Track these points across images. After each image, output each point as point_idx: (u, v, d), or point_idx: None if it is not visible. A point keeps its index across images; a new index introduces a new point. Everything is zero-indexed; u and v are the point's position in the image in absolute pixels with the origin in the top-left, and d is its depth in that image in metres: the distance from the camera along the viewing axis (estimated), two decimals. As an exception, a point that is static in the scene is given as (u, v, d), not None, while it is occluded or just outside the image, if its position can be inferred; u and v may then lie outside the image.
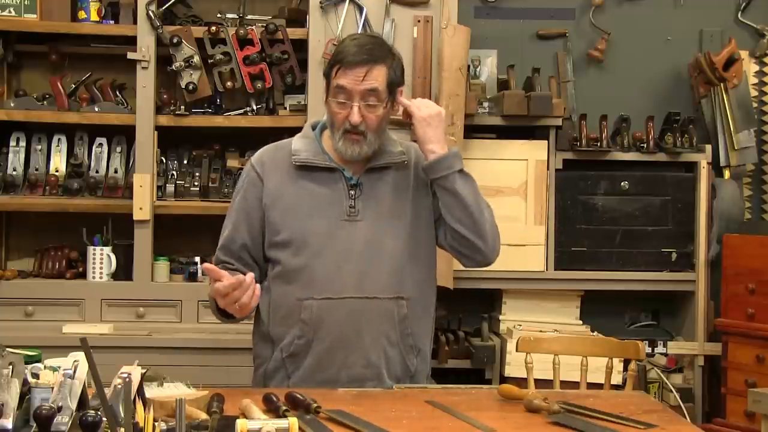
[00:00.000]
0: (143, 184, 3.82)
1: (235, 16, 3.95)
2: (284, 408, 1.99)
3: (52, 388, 1.76)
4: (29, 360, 1.93)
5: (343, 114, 2.41)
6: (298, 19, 3.98)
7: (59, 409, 1.70)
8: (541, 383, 3.00)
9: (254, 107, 3.98)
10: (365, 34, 2.58)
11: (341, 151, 2.45)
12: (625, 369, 3.37)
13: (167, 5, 3.90)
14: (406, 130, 3.76)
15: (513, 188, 3.95)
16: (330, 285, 2.43)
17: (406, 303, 2.48)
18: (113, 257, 3.88)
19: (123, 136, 4.00)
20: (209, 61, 3.89)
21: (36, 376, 1.82)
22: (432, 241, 2.57)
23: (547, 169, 3.96)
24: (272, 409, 2.03)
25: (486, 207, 2.56)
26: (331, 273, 2.44)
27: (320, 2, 3.80)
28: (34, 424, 1.67)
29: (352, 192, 2.48)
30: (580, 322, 4.02)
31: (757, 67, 4.27)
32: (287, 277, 2.48)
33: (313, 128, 2.58)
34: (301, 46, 3.88)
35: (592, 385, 2.94)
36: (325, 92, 2.49)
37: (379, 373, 2.46)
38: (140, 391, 1.84)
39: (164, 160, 4.00)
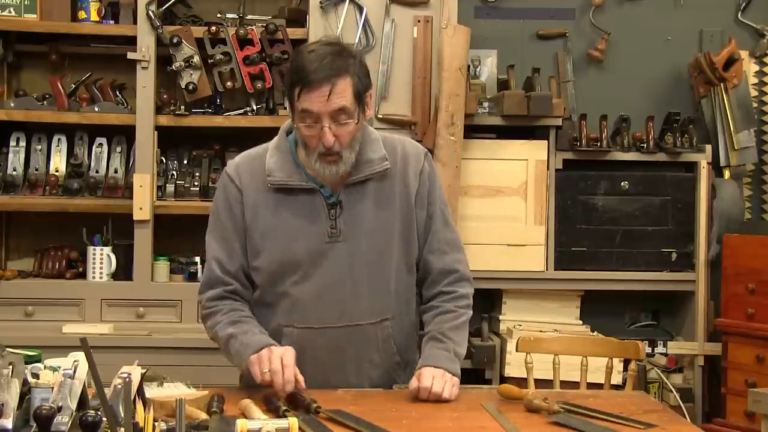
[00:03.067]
0: (143, 184, 3.82)
1: (235, 16, 3.95)
2: (284, 408, 1.99)
3: (52, 388, 1.76)
4: (29, 360, 1.93)
5: (315, 137, 2.25)
6: (298, 19, 3.99)
7: (59, 409, 1.70)
8: (541, 383, 3.00)
9: (254, 107, 3.97)
10: (322, 42, 2.34)
11: (319, 172, 2.31)
12: (625, 369, 3.37)
13: (167, 5, 3.90)
14: (398, 129, 3.78)
15: (513, 188, 3.95)
16: (311, 314, 2.35)
17: (390, 323, 2.40)
18: (113, 257, 3.88)
19: (123, 136, 4.00)
20: (209, 61, 3.89)
21: (36, 376, 1.82)
22: (417, 250, 2.45)
23: (547, 169, 3.96)
24: (272, 409, 2.03)
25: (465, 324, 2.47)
26: (312, 301, 2.35)
27: (320, 2, 3.80)
28: (34, 424, 1.67)
29: (332, 211, 2.34)
30: (580, 322, 4.02)
31: (757, 67, 4.27)
32: (268, 303, 2.40)
33: (288, 133, 2.42)
34: (301, 46, 3.88)
35: (592, 385, 2.94)
36: (290, 112, 2.31)
37: None
38: (140, 391, 1.84)
39: (164, 160, 4.00)
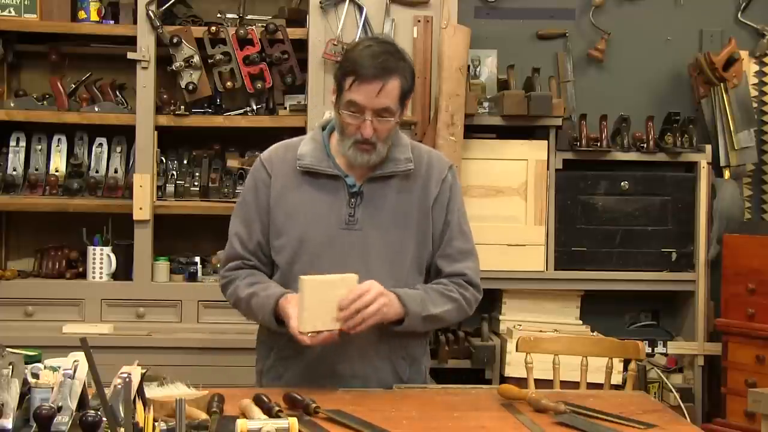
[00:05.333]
0: (143, 184, 3.82)
1: (235, 16, 3.94)
2: (277, 408, 1.99)
3: (52, 388, 1.76)
4: (29, 360, 1.93)
5: (355, 126, 2.37)
6: (298, 19, 3.98)
7: (59, 409, 1.70)
8: (541, 383, 3.00)
9: (254, 107, 3.97)
10: (378, 39, 2.49)
11: (351, 159, 2.41)
12: (625, 369, 3.37)
13: (167, 5, 3.90)
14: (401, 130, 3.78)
15: (513, 188, 3.95)
16: None
17: None
18: (113, 257, 3.88)
19: (123, 136, 4.00)
20: (209, 61, 3.89)
21: (36, 376, 1.82)
22: (429, 253, 2.51)
23: (547, 169, 3.96)
24: (265, 409, 2.02)
25: (460, 301, 2.49)
26: None
27: (320, 2, 3.79)
28: (34, 424, 1.67)
29: (353, 200, 2.44)
30: (580, 322, 4.02)
31: (757, 67, 4.27)
32: (284, 283, 2.46)
33: (323, 128, 2.53)
34: (301, 46, 3.88)
35: (592, 385, 2.94)
36: (335, 97, 2.43)
37: (367, 385, 2.42)
38: (140, 391, 1.84)
39: (164, 160, 4.00)
